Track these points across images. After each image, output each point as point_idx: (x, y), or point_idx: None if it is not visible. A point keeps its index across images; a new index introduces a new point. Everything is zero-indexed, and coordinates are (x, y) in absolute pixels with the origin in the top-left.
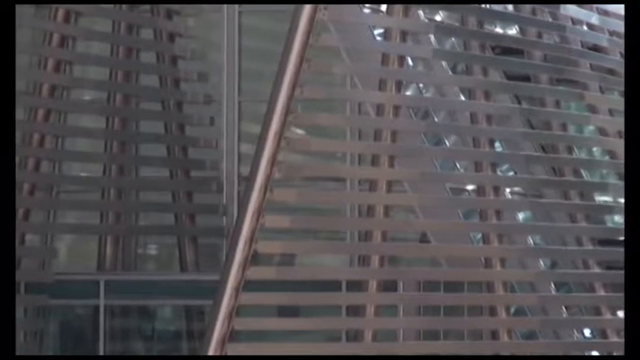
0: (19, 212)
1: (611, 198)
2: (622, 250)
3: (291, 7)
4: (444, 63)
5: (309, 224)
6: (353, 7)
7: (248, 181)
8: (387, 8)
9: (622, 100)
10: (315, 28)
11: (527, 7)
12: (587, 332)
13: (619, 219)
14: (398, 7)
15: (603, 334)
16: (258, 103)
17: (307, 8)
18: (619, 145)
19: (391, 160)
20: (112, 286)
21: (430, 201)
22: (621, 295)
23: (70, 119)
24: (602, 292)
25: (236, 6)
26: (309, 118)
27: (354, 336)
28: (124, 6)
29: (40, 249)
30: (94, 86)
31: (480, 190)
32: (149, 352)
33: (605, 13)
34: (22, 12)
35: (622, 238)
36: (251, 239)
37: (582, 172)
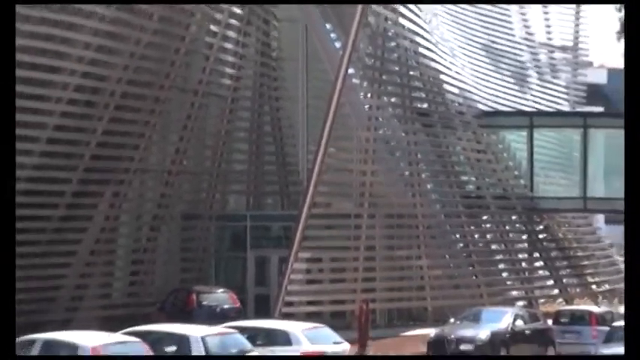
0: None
1: (466, 177)
2: (471, 198)
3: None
4: (395, 120)
5: (338, 190)
6: (357, 95)
7: (311, 171)
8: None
9: (474, 135)
10: (338, 108)
11: (430, 95)
12: (457, 235)
13: (471, 187)
14: (375, 96)
15: (465, 237)
16: (316, 137)
17: (335, 100)
18: (472, 155)
19: (373, 161)
20: (253, 217)
21: (389, 178)
22: (472, 219)
23: (227, 146)
24: (464, 218)
25: (306, 94)
26: (337, 143)
27: (356, 237)
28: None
29: (220, 200)
30: (243, 130)
31: (411, 174)
32: (267, 241)
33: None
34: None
35: (472, 195)
36: (313, 195)
37: (454, 165)
